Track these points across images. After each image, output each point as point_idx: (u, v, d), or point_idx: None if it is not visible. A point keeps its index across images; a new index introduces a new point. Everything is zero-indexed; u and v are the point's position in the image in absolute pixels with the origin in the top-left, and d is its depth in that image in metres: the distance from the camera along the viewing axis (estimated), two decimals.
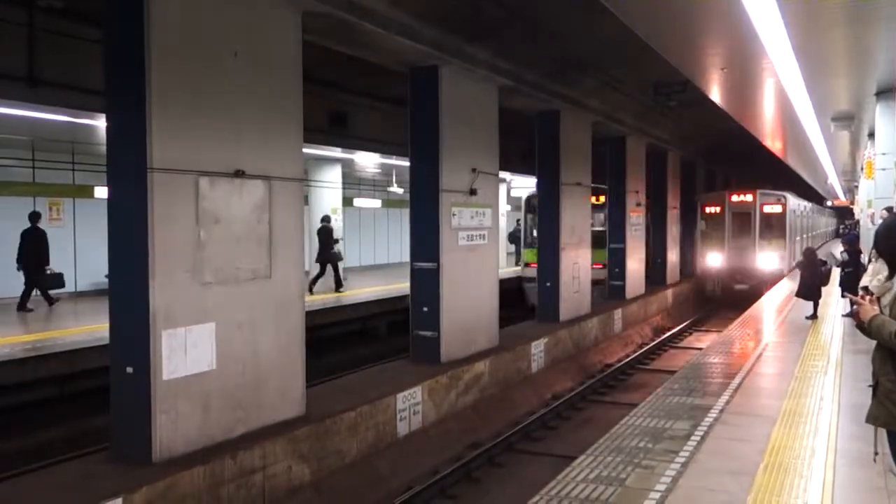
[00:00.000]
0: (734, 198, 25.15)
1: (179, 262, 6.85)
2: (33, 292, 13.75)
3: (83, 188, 16.10)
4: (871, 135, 14.54)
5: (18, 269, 13.53)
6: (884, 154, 12.22)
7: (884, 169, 12.18)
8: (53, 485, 6.40)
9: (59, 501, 5.96)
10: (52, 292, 14.25)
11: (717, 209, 25.36)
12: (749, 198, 24.87)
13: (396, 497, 8.42)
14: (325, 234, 17.74)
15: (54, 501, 5.98)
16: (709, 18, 7.92)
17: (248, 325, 7.60)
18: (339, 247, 18.56)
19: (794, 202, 26.80)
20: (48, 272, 13.96)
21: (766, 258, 24.45)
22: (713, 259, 25.18)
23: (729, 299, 24.36)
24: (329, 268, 17.88)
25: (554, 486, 5.33)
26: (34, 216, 13.74)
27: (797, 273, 14.69)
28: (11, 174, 15.01)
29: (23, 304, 13.54)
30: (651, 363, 16.64)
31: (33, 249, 13.45)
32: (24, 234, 13.58)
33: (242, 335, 7.53)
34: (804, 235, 31.15)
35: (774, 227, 24.73)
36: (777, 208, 24.66)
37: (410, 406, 9.90)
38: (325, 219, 18.18)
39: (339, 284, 17.83)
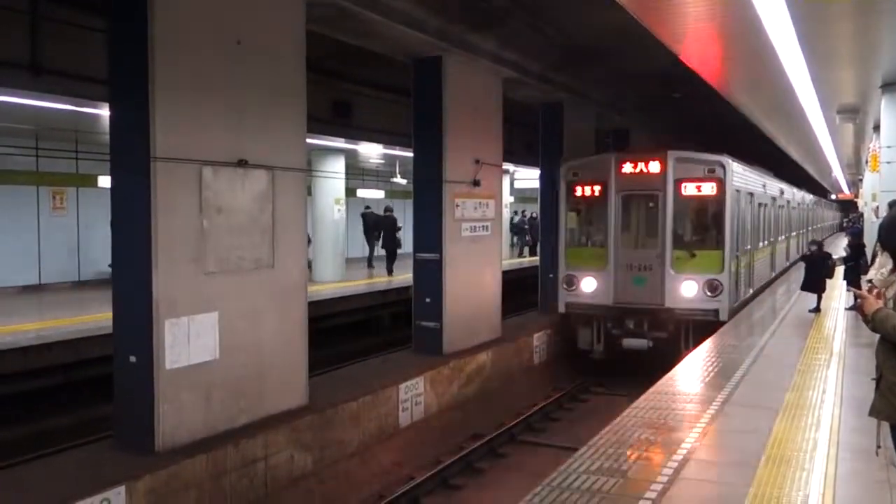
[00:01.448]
0: (626, 167, 13.63)
1: (182, 252, 6.85)
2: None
3: (86, 177, 16.09)
4: (877, 128, 14.48)
5: None
6: (889, 147, 12.16)
7: (889, 162, 12.12)
8: (56, 473, 6.43)
9: (61, 489, 5.98)
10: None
11: (596, 189, 13.92)
12: (655, 167, 13.38)
13: (398, 487, 8.44)
14: (390, 224, 19.51)
15: (57, 489, 6.00)
16: (713, 8, 7.87)
17: (251, 314, 7.60)
18: (399, 235, 20.05)
19: (744, 176, 14.86)
20: None
21: (686, 287, 13.09)
22: (588, 286, 13.74)
23: (618, 370, 13.34)
24: (380, 251, 20.17)
25: (556, 477, 5.33)
26: None
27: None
28: (15, 163, 15.01)
29: None
30: None
31: None
32: None
33: (245, 325, 7.54)
34: (775, 238, 19.88)
35: (703, 223, 13.90)
36: (708, 187, 13.21)
37: (412, 397, 9.92)
38: (389, 209, 20.05)
39: (389, 271, 19.29)
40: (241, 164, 7.40)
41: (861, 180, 29.42)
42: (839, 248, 20.39)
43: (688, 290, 13.11)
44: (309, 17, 8.33)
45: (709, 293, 13.03)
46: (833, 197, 55.90)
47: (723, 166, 13.23)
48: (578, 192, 14.23)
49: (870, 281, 6.03)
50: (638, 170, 13.60)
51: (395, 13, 9.47)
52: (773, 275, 19.54)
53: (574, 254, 14.33)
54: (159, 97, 6.58)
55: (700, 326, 12.86)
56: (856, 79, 11.72)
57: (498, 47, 11.97)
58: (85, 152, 15.61)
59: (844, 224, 55.54)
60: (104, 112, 9.56)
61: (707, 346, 10.58)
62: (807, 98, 12.53)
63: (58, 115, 11.50)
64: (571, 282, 13.99)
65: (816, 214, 37.50)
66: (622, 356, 13.43)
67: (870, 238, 13.52)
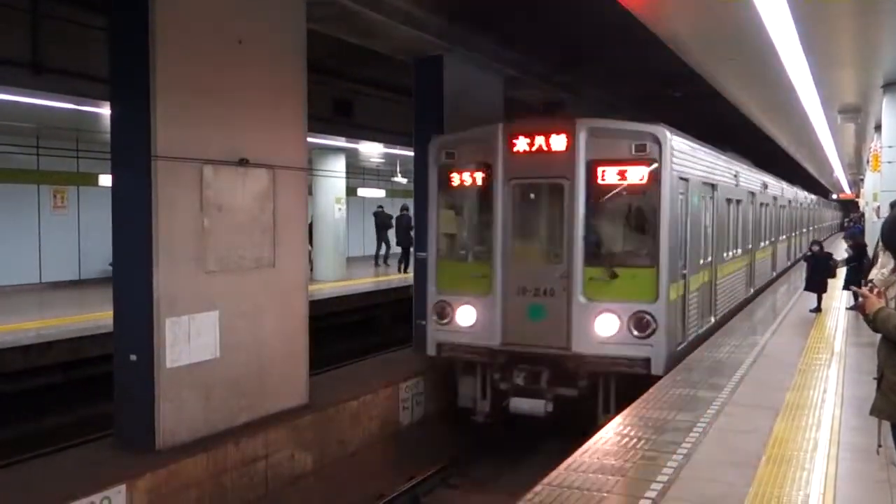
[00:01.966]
0: (520, 143, 9.32)
1: (183, 250, 6.85)
2: None
3: (87, 176, 16.10)
4: (878, 127, 14.47)
5: None
6: (890, 147, 12.16)
7: (890, 162, 12.12)
8: (56, 472, 6.43)
9: (62, 488, 5.97)
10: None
11: (478, 177, 9.76)
12: (559, 142, 9.11)
13: (398, 486, 8.44)
14: (405, 222, 19.94)
15: (57, 489, 6.00)
16: (715, 6, 7.87)
17: (251, 313, 7.60)
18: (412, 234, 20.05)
19: (695, 158, 10.28)
20: None
21: (603, 322, 8.88)
22: (465, 318, 9.63)
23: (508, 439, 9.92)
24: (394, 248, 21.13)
25: (556, 476, 5.32)
26: None
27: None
28: (16, 161, 15.02)
29: None
30: None
31: None
32: None
33: (246, 323, 7.54)
34: (755, 246, 15.69)
35: (629, 227, 9.49)
36: (636, 173, 8.91)
37: (413, 396, 9.91)
38: (405, 208, 20.42)
39: (404, 269, 19.96)
40: (242, 162, 7.40)
41: (862, 180, 29.40)
42: (838, 249, 20.17)
43: (605, 326, 8.85)
44: (310, 17, 8.33)
45: (636, 332, 8.76)
46: (834, 196, 55.78)
47: (657, 142, 8.80)
48: (455, 180, 9.91)
49: (870, 280, 6.01)
50: (536, 147, 9.21)
51: (397, 12, 9.47)
52: (752, 291, 15.43)
53: (447, 270, 9.99)
54: (160, 96, 6.58)
55: (626, 382, 8.76)
56: (857, 79, 11.72)
57: (499, 46, 11.97)
58: (86, 151, 15.61)
59: (845, 224, 55.27)
60: (105, 111, 9.58)
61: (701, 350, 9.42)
62: (808, 98, 12.54)
63: (59, 113, 11.51)
64: (444, 312, 9.76)
65: (813, 214, 31.97)
66: (516, 420, 9.41)
67: (871, 238, 13.52)
